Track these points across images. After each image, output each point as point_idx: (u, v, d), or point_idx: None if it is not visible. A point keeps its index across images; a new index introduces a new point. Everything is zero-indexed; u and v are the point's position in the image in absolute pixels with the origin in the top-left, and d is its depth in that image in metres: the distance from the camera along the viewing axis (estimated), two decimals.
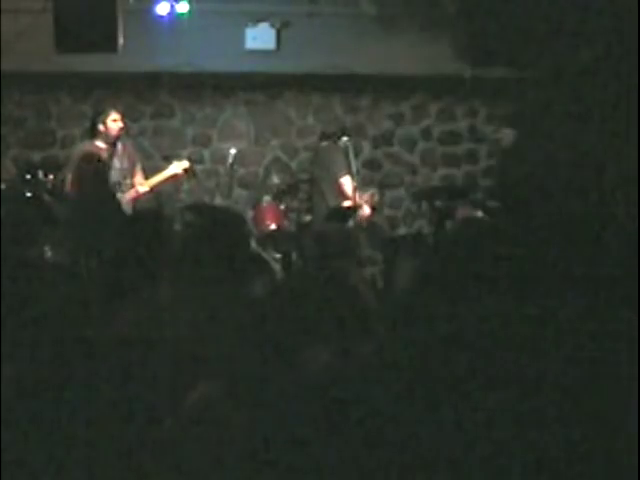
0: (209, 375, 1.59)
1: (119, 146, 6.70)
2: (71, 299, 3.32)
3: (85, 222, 5.57)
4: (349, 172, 7.27)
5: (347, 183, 7.27)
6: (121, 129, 6.75)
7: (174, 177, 7.18)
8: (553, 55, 8.38)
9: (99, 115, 6.84)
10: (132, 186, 6.78)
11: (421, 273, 1.32)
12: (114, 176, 6.72)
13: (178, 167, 7.04)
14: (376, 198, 7.76)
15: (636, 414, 1.19)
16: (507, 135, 8.07)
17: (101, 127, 6.72)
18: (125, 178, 6.70)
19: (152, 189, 6.98)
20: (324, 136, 7.77)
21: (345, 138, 7.35)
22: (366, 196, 7.67)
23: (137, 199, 6.96)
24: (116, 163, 6.73)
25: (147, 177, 7.00)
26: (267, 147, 9.47)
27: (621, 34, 7.36)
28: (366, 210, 7.44)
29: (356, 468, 1.17)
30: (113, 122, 6.72)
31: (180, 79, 8.97)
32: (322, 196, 7.48)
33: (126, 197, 6.72)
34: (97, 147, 6.78)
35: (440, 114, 9.61)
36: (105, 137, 6.73)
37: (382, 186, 8.90)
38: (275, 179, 8.53)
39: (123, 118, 6.85)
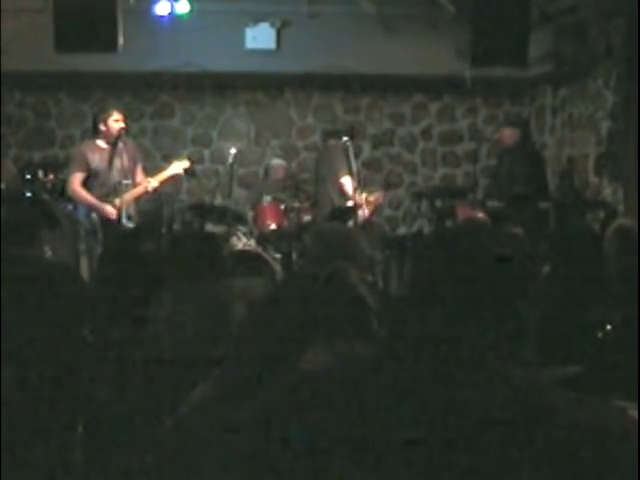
0: (209, 376, 1.59)
1: (120, 145, 6.67)
2: (71, 299, 3.31)
3: None
4: (350, 172, 7.28)
5: (347, 183, 7.28)
6: (122, 129, 6.73)
7: (174, 177, 7.16)
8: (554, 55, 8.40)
9: (101, 114, 6.81)
10: (133, 186, 6.76)
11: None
12: (115, 176, 6.70)
13: (179, 167, 7.02)
14: (382, 199, 7.78)
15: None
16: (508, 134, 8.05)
17: (102, 127, 6.70)
18: (126, 177, 6.67)
19: (161, 186, 6.95)
20: (329, 134, 7.77)
21: (345, 138, 7.34)
22: (374, 196, 7.68)
23: (142, 197, 6.94)
24: (117, 163, 6.70)
25: (147, 177, 6.98)
26: (267, 147, 9.48)
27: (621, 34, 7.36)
28: (365, 211, 7.43)
29: (357, 468, 1.17)
30: (115, 122, 6.70)
31: (180, 79, 8.98)
32: (327, 195, 7.48)
33: (131, 195, 6.71)
34: (98, 146, 6.76)
35: (440, 114, 9.61)
36: (106, 136, 6.72)
37: (386, 185, 8.88)
38: (273, 163, 8.52)
39: (125, 118, 6.83)
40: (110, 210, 6.61)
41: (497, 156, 8.64)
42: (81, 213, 6.79)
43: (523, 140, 8.09)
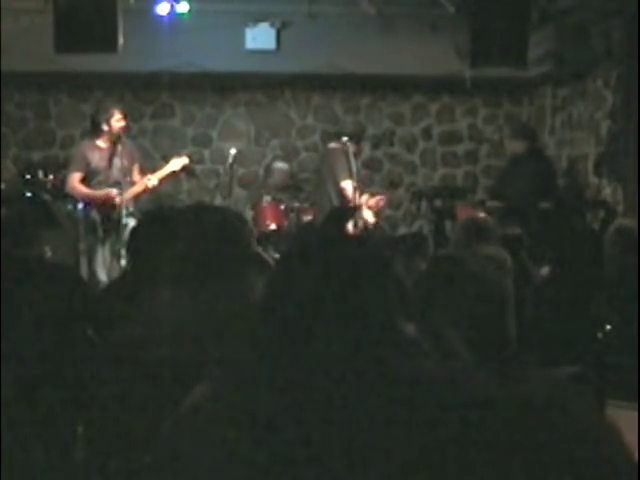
0: (209, 375, 1.59)
1: (119, 146, 6.69)
2: (70, 298, 3.32)
3: None
4: (350, 175, 7.26)
5: (348, 187, 7.26)
6: (123, 128, 6.74)
7: (173, 174, 7.15)
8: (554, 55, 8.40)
9: (102, 114, 6.81)
10: (132, 184, 6.76)
11: None
12: (115, 175, 6.72)
13: (178, 163, 7.02)
14: (383, 203, 7.77)
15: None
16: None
17: (105, 127, 6.71)
18: (125, 176, 6.70)
19: (160, 183, 6.96)
20: (335, 135, 7.76)
21: (345, 138, 7.34)
22: (374, 200, 7.68)
23: (141, 195, 6.95)
24: (117, 162, 6.72)
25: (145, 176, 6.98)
26: (267, 147, 9.47)
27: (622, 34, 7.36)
28: (369, 218, 7.40)
29: (357, 468, 1.17)
30: (117, 122, 6.72)
31: (180, 79, 8.98)
32: (327, 197, 7.48)
33: (131, 192, 6.72)
34: (97, 146, 6.77)
35: (440, 114, 9.61)
36: (108, 136, 6.72)
37: (391, 185, 8.81)
38: (277, 166, 8.52)
39: (126, 117, 6.84)
40: (111, 190, 6.61)
41: (508, 161, 8.44)
42: (80, 211, 6.81)
43: (532, 148, 7.94)
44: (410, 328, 1.28)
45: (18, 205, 7.06)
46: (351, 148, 7.26)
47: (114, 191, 6.62)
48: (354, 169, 7.25)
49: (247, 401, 1.27)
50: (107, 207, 6.65)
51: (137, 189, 6.77)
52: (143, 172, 6.96)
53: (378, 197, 7.80)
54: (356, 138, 7.46)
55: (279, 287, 1.35)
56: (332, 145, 7.52)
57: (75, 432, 2.95)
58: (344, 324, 1.25)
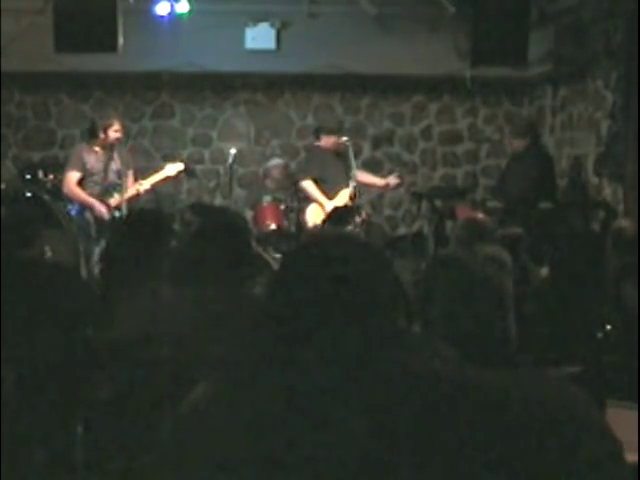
0: (209, 375, 1.59)
1: (115, 151, 6.80)
2: (71, 299, 3.32)
3: None
4: (312, 176, 7.31)
5: (308, 187, 7.31)
6: (119, 139, 6.83)
7: (168, 178, 7.22)
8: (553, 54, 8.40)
9: (102, 121, 6.91)
10: (125, 189, 6.83)
11: None
12: (111, 177, 6.81)
13: (172, 169, 7.09)
14: (395, 182, 7.77)
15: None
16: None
17: (101, 134, 6.80)
18: (121, 179, 6.77)
19: (152, 188, 7.04)
20: (316, 131, 7.78)
21: (345, 138, 7.35)
22: (391, 178, 7.70)
23: (136, 198, 7.00)
24: (113, 165, 6.81)
25: (137, 179, 7.05)
26: (267, 147, 9.47)
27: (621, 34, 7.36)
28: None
29: (358, 468, 1.17)
30: (114, 132, 6.80)
31: (180, 79, 8.98)
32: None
33: (125, 196, 6.76)
34: (93, 150, 6.84)
35: (440, 114, 9.61)
36: (102, 143, 6.81)
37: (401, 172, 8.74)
38: (272, 164, 8.54)
39: (123, 129, 6.93)
40: (103, 209, 6.71)
41: (508, 160, 8.48)
42: (74, 212, 6.87)
43: (532, 145, 7.96)
44: (411, 328, 1.29)
45: (18, 205, 7.07)
46: (350, 147, 7.27)
47: (104, 211, 6.70)
48: (354, 166, 7.25)
49: (247, 401, 1.27)
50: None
51: (130, 193, 6.84)
52: (143, 174, 7.03)
53: (391, 177, 7.82)
54: (335, 133, 7.50)
55: (280, 287, 1.35)
56: (308, 144, 7.57)
57: (75, 432, 2.95)
58: (344, 325, 1.25)
